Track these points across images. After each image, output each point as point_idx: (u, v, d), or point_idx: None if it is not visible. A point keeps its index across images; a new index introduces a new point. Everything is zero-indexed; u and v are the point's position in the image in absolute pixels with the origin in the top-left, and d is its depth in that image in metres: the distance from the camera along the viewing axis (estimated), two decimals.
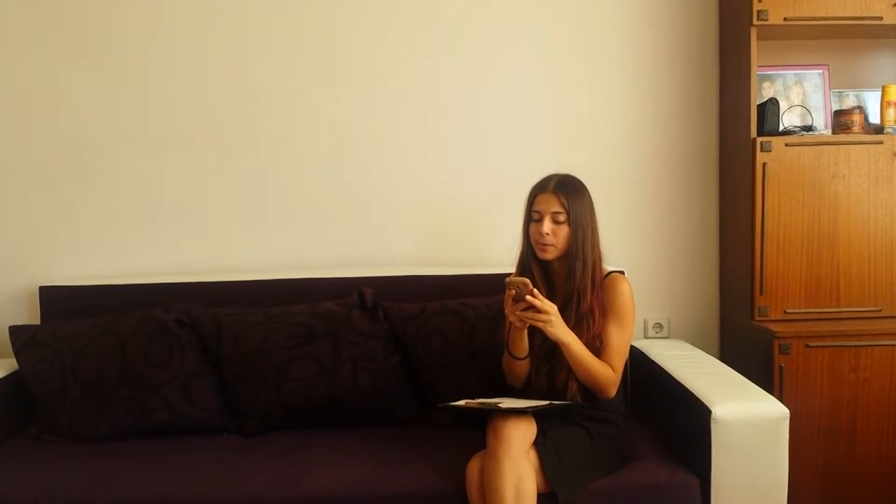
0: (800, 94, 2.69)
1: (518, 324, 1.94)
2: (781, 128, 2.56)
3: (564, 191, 2.01)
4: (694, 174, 2.84)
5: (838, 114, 2.59)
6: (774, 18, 2.45)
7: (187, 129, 2.76)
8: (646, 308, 2.80)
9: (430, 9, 2.76)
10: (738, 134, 2.62)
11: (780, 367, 2.38)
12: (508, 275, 1.98)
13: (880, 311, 2.50)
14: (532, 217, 2.05)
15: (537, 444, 1.89)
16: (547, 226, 2.00)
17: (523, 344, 2.02)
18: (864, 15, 2.47)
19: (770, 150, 2.47)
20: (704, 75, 2.81)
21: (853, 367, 2.39)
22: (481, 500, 1.84)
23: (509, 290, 1.90)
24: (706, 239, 2.86)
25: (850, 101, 2.71)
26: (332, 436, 2.27)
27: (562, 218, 2.00)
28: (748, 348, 2.57)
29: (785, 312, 2.50)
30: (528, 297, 1.87)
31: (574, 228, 2.00)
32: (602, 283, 2.05)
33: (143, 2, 2.72)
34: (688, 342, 2.74)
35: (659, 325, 2.86)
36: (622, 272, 2.16)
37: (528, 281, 1.88)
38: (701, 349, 2.61)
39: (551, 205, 2.00)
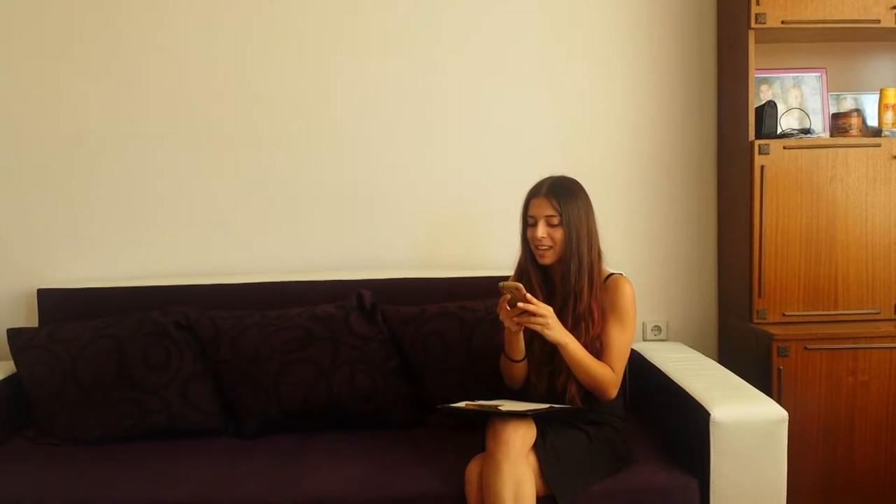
0: (798, 96, 2.70)
1: (514, 328, 1.94)
2: (779, 130, 2.56)
3: (556, 194, 2.01)
4: (692, 177, 2.84)
5: (836, 116, 2.59)
6: (772, 21, 2.46)
7: (186, 130, 2.75)
8: (644, 311, 2.79)
9: (432, 11, 2.76)
10: (736, 137, 2.62)
11: (779, 370, 2.38)
12: (504, 278, 1.98)
13: (878, 313, 2.51)
14: (528, 222, 2.05)
15: (536, 447, 1.89)
16: (542, 230, 2.00)
17: (519, 347, 2.02)
18: (862, 18, 2.47)
19: (768, 153, 2.47)
20: (702, 78, 2.82)
21: (851, 369, 2.39)
22: (480, 502, 1.84)
23: (503, 294, 1.90)
24: (704, 241, 2.86)
25: (847, 104, 2.72)
26: (331, 439, 2.27)
27: (555, 221, 2.00)
28: (747, 351, 2.57)
29: (783, 315, 2.51)
30: (520, 304, 1.87)
31: (568, 230, 1.99)
32: (603, 285, 2.05)
33: (145, 3, 2.72)
34: (686, 345, 2.74)
35: (657, 328, 2.86)
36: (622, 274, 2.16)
37: (520, 285, 1.87)
38: (699, 352, 2.61)
39: (544, 209, 2.00)
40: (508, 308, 1.90)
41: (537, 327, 1.90)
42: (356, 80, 2.77)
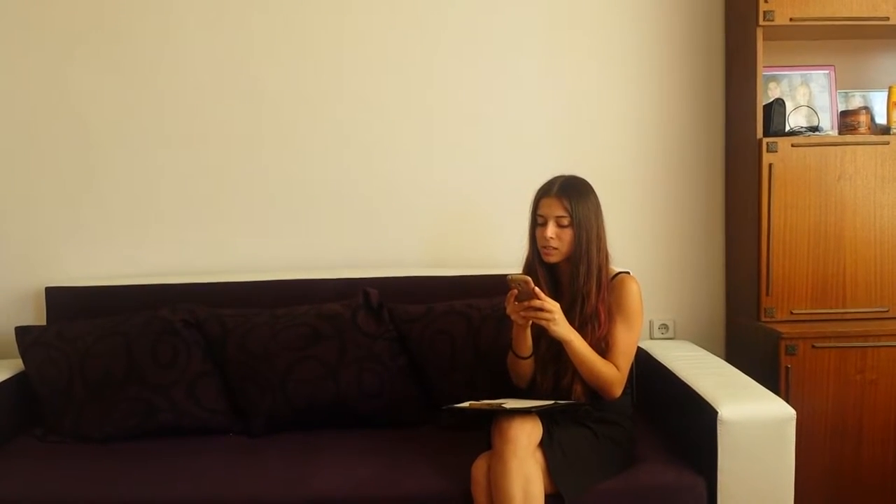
0: (806, 94, 2.68)
1: (520, 322, 1.95)
2: (787, 128, 2.55)
3: (568, 194, 2.00)
4: (700, 175, 2.83)
5: (844, 114, 2.58)
6: (780, 19, 2.45)
7: (194, 129, 2.76)
8: (652, 309, 2.79)
9: (436, 10, 2.76)
10: (744, 134, 2.61)
11: (787, 368, 2.37)
12: (510, 274, 1.98)
13: (887, 311, 2.50)
14: (537, 221, 2.05)
15: (543, 445, 1.88)
16: (551, 230, 1.99)
17: (527, 343, 2.02)
18: (871, 15, 2.46)
19: (776, 151, 2.47)
20: (710, 76, 2.81)
21: (860, 367, 2.38)
22: (487, 501, 1.84)
23: (511, 288, 1.90)
24: (712, 240, 2.86)
25: (856, 102, 2.71)
26: (338, 437, 2.27)
27: (565, 222, 1.99)
28: (754, 349, 2.56)
29: (791, 313, 2.50)
30: (532, 302, 1.87)
31: (578, 231, 1.99)
32: (610, 284, 2.05)
33: (151, 2, 2.72)
34: (694, 343, 2.73)
35: (665, 326, 2.85)
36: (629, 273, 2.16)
37: (529, 279, 1.88)
38: (707, 350, 2.60)
39: (555, 209, 2.00)
40: (516, 302, 1.91)
41: (543, 322, 1.90)
42: (361, 78, 2.77)
